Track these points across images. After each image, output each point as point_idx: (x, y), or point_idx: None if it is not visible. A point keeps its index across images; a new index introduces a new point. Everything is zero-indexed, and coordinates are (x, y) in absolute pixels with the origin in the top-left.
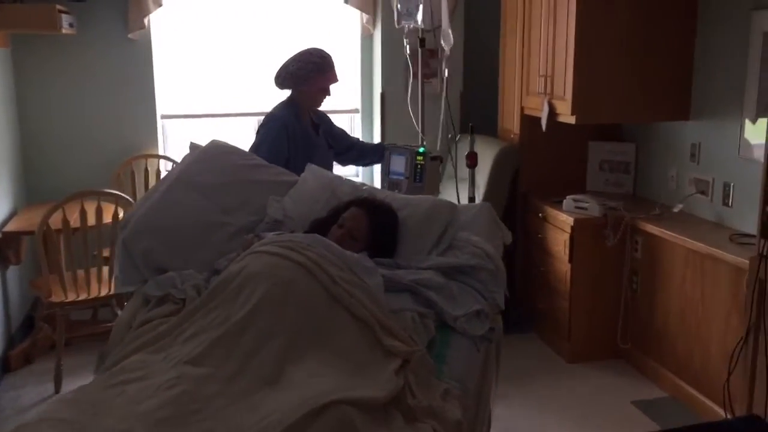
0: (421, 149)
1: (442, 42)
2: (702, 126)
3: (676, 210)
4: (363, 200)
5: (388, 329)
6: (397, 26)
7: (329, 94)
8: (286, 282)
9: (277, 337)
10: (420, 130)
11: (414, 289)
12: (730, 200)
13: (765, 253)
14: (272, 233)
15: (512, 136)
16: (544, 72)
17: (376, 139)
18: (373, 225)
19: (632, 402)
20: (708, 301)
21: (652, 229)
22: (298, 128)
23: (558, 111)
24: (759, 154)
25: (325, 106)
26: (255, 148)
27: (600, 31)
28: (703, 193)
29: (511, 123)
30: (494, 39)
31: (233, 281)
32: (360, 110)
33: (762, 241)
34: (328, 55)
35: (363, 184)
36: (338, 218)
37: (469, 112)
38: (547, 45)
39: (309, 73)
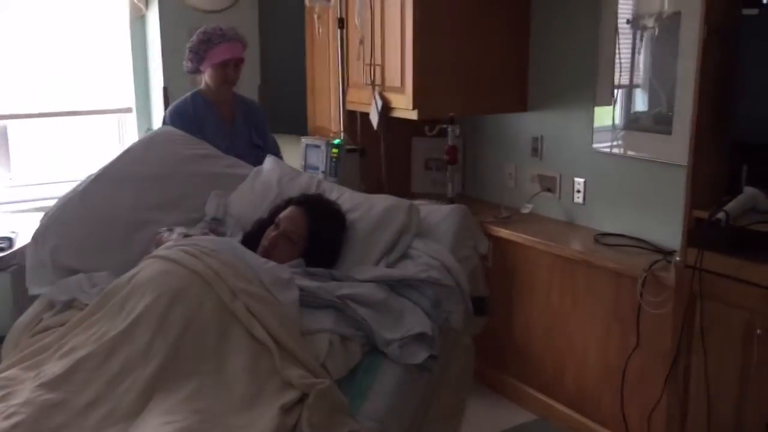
0: (336, 141)
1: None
2: (544, 117)
3: (525, 211)
4: (303, 198)
5: (292, 355)
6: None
7: (230, 72)
8: (174, 293)
9: (152, 360)
10: None
11: (340, 306)
12: (582, 197)
13: (698, 265)
14: (178, 233)
15: (331, 135)
16: (371, 60)
17: None
18: (311, 228)
19: (503, 431)
20: (580, 312)
21: (506, 234)
22: (204, 116)
23: (393, 105)
24: (615, 148)
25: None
26: None
27: (438, 15)
28: (549, 190)
29: (326, 120)
30: (298, 21)
31: (121, 290)
32: (134, 109)
33: (688, 250)
34: (219, 27)
35: (321, 180)
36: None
37: (274, 108)
38: (373, 30)
39: (198, 50)
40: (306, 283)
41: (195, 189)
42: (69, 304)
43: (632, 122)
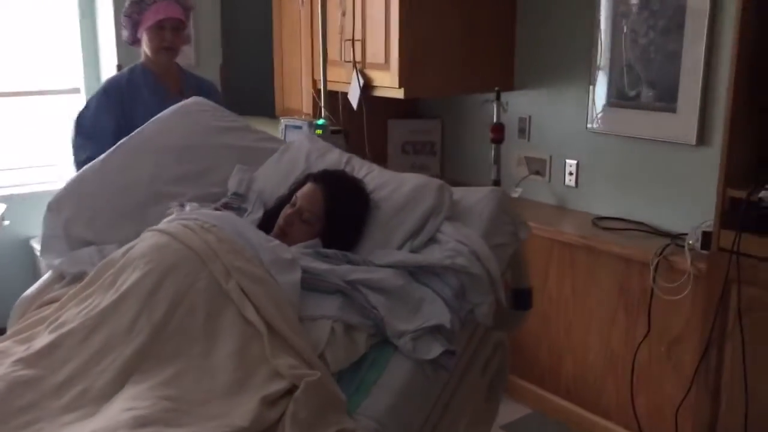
0: (320, 121)
1: None
2: (533, 97)
3: (514, 195)
4: (323, 174)
5: (285, 341)
6: None
7: (167, 36)
8: (165, 269)
9: (134, 339)
10: None
11: (347, 291)
12: (575, 180)
13: (736, 248)
14: (190, 208)
15: (303, 117)
16: (351, 35)
17: None
18: (329, 206)
19: (501, 426)
20: (581, 300)
21: None
22: (140, 88)
23: (376, 83)
24: (613, 128)
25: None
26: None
27: None
28: (538, 173)
29: (296, 101)
30: None
31: (116, 264)
32: (83, 90)
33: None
34: None
35: (352, 156)
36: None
37: (238, 89)
38: (354, 4)
39: (131, 14)
40: (315, 265)
41: (220, 162)
42: (79, 277)
43: (630, 100)
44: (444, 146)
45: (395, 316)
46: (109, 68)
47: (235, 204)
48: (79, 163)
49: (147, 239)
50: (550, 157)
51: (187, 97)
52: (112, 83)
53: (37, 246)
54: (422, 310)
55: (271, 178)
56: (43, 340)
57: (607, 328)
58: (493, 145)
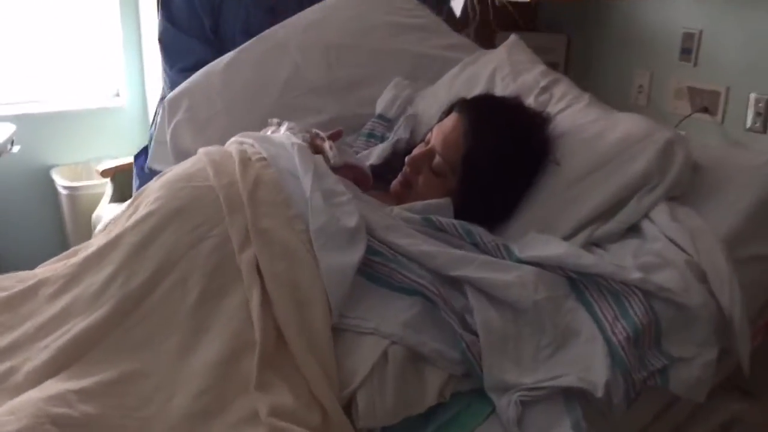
0: None
1: None
2: (705, 2)
3: None
4: (474, 101)
5: (292, 361)
6: None
7: None
8: (168, 214)
9: (98, 308)
10: None
11: (434, 297)
12: (762, 122)
13: None
14: (285, 128)
15: None
16: None
17: None
18: (470, 150)
19: None
20: None
21: None
22: None
23: None
24: None
25: None
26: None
27: None
28: (706, 111)
29: None
30: None
31: (142, 194)
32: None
33: None
34: None
35: (559, 78)
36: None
37: None
38: None
39: None
40: (405, 241)
41: (381, 72)
42: None
43: None
44: (569, 69)
45: (505, 352)
46: None
47: (378, 132)
48: (184, 72)
49: (180, 166)
50: (727, 90)
51: None
52: None
53: (57, 178)
54: (563, 352)
55: (435, 103)
56: (31, 281)
57: None
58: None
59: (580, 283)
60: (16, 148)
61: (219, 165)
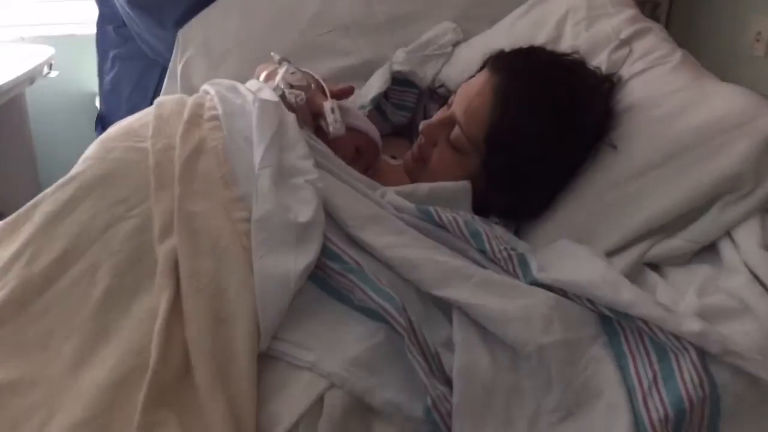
0: None
1: None
2: None
3: None
4: (516, 55)
5: (196, 399)
6: None
7: None
8: (91, 181)
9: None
10: None
11: (403, 328)
12: None
13: None
14: (283, 70)
15: None
16: None
17: None
18: (497, 122)
19: None
20: None
21: None
22: None
23: None
24: None
25: None
26: None
27: None
28: None
29: None
30: None
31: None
32: None
33: None
34: None
35: (648, 28)
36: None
37: None
38: None
39: None
40: (385, 241)
41: (430, 6)
42: None
43: None
44: (673, 9)
45: (488, 413)
46: None
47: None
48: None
49: (132, 117)
50: None
51: None
52: None
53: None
54: (574, 421)
55: (486, 51)
56: None
57: None
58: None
59: (615, 322)
60: (54, 73)
61: (164, 121)
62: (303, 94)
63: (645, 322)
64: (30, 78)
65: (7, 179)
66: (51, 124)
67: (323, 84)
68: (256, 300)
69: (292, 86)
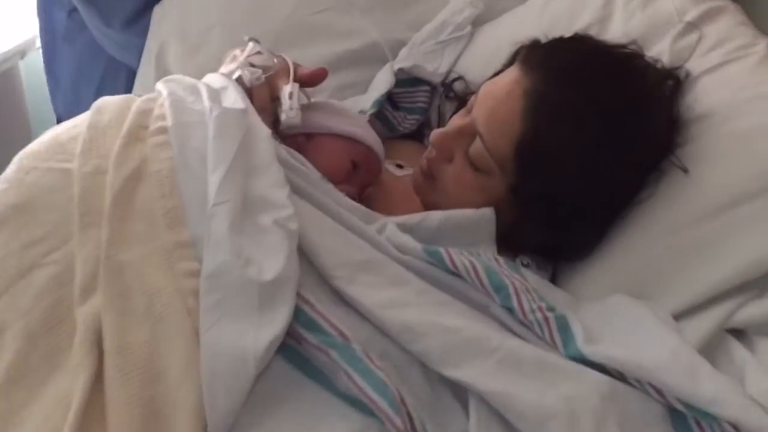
0: None
1: None
2: None
3: None
4: (555, 48)
5: None
6: None
7: None
8: (4, 211)
9: None
10: None
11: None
12: None
13: None
14: (247, 53)
15: None
16: None
17: None
18: (527, 134)
19: None
20: None
21: None
22: None
23: None
24: None
25: None
26: None
27: None
28: None
29: None
30: None
31: None
32: None
33: None
34: None
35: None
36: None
37: None
38: None
39: None
40: (381, 297)
41: None
42: None
43: None
44: None
45: None
46: None
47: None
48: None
49: (67, 124)
50: None
51: None
52: None
53: None
54: None
55: (513, 36)
56: None
57: None
58: None
59: (691, 420)
60: None
61: (98, 132)
62: (260, 72)
63: (734, 425)
64: (21, 51)
65: (3, 156)
66: (48, 100)
67: (291, 66)
68: (203, 387)
69: (253, 66)
